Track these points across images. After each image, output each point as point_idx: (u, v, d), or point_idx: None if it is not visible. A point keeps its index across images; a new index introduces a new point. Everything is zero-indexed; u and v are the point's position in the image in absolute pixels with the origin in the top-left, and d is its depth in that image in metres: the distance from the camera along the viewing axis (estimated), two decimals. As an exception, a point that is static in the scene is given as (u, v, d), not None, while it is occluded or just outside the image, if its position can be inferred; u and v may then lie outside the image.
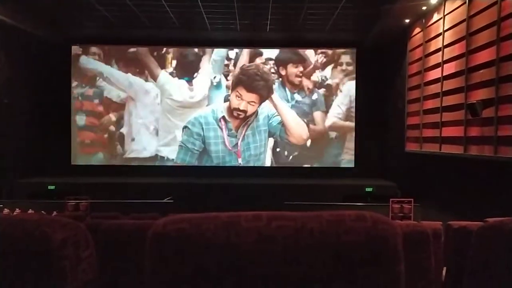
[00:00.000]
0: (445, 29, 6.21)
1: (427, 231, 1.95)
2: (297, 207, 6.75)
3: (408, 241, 1.43)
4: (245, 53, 9.22)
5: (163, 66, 9.20)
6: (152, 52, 9.22)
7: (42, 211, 5.28)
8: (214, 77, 9.14)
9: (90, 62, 9.22)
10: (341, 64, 9.27)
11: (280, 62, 9.20)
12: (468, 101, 5.36)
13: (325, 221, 0.71)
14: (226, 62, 9.21)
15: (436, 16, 6.58)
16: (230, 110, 8.99)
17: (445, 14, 6.23)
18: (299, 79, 9.19)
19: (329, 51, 9.24)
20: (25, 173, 8.17)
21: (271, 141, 9.18)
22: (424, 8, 6.75)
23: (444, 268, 2.04)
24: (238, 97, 8.94)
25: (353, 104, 9.24)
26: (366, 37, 8.53)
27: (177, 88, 9.16)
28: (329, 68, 9.24)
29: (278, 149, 9.23)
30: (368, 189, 7.95)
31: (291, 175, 8.91)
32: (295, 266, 0.69)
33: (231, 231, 0.70)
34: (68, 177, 8.46)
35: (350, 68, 9.27)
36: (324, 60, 9.24)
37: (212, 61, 9.21)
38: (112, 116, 9.23)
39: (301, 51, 9.25)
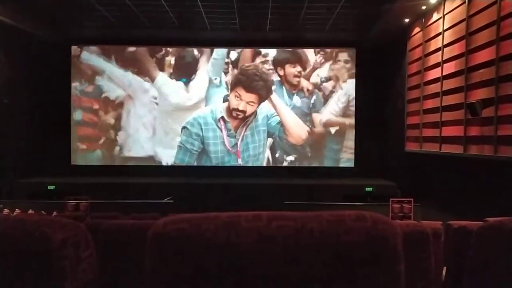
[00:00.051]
0: (444, 28, 6.21)
1: (427, 231, 1.95)
2: (297, 207, 6.75)
3: (408, 241, 1.43)
4: (245, 53, 9.22)
5: (160, 68, 9.21)
6: (150, 54, 9.22)
7: (42, 211, 5.28)
8: (215, 79, 9.14)
9: (91, 58, 9.23)
10: (339, 62, 9.27)
11: (278, 62, 9.20)
12: (468, 100, 5.36)
13: (325, 221, 0.71)
14: (226, 60, 9.21)
15: (435, 16, 6.58)
16: (229, 110, 8.99)
17: (444, 13, 6.23)
18: (298, 79, 9.19)
19: (328, 50, 9.24)
20: (25, 173, 8.17)
21: (270, 141, 9.18)
22: (423, 7, 6.75)
23: (444, 268, 2.04)
24: (237, 97, 8.94)
25: (352, 103, 9.24)
26: (366, 37, 8.53)
27: (173, 90, 9.17)
28: (327, 67, 9.24)
29: (277, 149, 9.23)
30: (368, 189, 7.95)
31: (290, 175, 8.92)
32: (295, 266, 0.69)
33: (231, 231, 0.70)
34: (68, 177, 8.46)
35: (348, 65, 9.26)
36: (323, 60, 9.24)
37: (212, 61, 9.21)
38: (111, 114, 9.23)
39: (299, 51, 9.25)
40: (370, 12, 7.06)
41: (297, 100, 9.18)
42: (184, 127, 9.12)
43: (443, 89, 6.20)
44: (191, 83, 9.18)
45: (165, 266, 0.70)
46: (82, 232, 1.06)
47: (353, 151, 9.26)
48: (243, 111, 8.93)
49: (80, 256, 1.03)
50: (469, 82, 5.44)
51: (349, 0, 6.77)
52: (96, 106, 9.23)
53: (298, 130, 9.18)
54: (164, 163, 9.21)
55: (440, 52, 6.31)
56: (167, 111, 9.17)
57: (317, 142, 9.27)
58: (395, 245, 0.72)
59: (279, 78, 9.18)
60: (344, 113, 9.26)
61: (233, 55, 9.22)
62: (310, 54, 9.24)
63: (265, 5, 7.02)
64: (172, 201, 7.25)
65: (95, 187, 7.56)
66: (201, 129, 9.05)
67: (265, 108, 9.06)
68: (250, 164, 9.15)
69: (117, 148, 9.25)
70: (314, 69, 9.24)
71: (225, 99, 9.05)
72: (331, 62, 9.26)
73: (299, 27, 8.27)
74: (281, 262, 0.69)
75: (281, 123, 9.10)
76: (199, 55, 9.24)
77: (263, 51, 9.23)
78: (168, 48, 9.25)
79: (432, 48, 6.65)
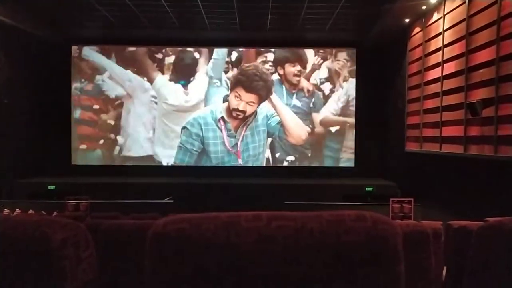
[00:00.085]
0: (445, 28, 6.21)
1: (427, 231, 1.95)
2: (297, 207, 6.74)
3: (408, 241, 1.43)
4: (247, 52, 9.23)
5: (160, 70, 9.21)
6: (149, 55, 9.22)
7: (42, 211, 5.28)
8: (215, 81, 9.13)
9: (91, 54, 9.24)
10: (339, 62, 9.27)
11: (278, 62, 9.20)
12: (468, 100, 5.36)
13: (325, 221, 0.71)
14: (226, 60, 9.21)
15: (436, 16, 6.58)
16: (229, 111, 8.99)
17: (445, 13, 6.23)
18: (298, 78, 9.19)
19: (328, 50, 9.24)
20: (25, 173, 8.17)
21: (270, 142, 9.18)
22: (424, 7, 6.75)
23: (444, 268, 2.04)
24: (237, 97, 8.93)
25: (352, 103, 9.24)
26: (366, 37, 8.53)
27: (172, 92, 9.17)
28: (327, 67, 9.24)
29: (277, 149, 9.23)
30: (368, 189, 7.95)
31: (290, 175, 8.92)
32: (295, 266, 0.69)
33: (231, 231, 0.70)
34: (68, 177, 8.46)
35: (348, 65, 9.27)
36: (323, 60, 9.25)
37: (212, 61, 9.20)
38: (111, 113, 9.24)
39: (299, 50, 9.26)
40: (370, 12, 7.06)
41: (297, 99, 9.18)
42: (184, 127, 9.12)
43: (443, 89, 6.20)
44: (190, 84, 9.18)
45: (165, 266, 0.70)
46: (82, 232, 1.06)
47: (353, 151, 9.27)
48: (243, 111, 8.93)
49: (80, 256, 1.03)
50: (469, 82, 5.44)
51: (349, 0, 6.77)
52: (95, 105, 9.23)
53: (298, 130, 9.18)
54: (164, 163, 9.21)
55: (440, 52, 6.31)
56: (166, 112, 9.17)
57: (317, 142, 9.27)
58: (395, 245, 0.72)
59: (279, 77, 9.18)
60: (344, 113, 9.26)
61: (235, 54, 9.21)
62: (310, 54, 9.25)
63: (265, 5, 7.02)
64: (172, 201, 7.25)
65: (95, 187, 7.56)
66: (201, 129, 9.05)
67: (265, 108, 9.06)
68: (250, 164, 9.15)
69: (117, 147, 9.26)
70: (314, 69, 9.24)
71: (225, 99, 9.05)
72: (331, 62, 9.26)
73: (299, 27, 8.27)
74: (281, 262, 0.69)
75: (281, 123, 9.10)
76: (199, 56, 9.24)
77: (264, 50, 9.23)
78: (168, 51, 9.23)
79: (432, 48, 6.65)
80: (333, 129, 9.27)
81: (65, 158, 9.10)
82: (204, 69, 9.21)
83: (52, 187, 7.80)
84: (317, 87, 9.22)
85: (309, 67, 9.23)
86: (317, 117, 9.24)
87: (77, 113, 9.23)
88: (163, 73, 9.19)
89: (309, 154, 9.28)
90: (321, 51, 9.24)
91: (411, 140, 7.58)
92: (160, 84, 9.18)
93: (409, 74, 7.62)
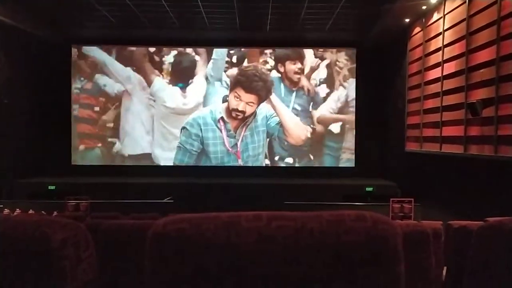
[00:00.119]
0: (445, 28, 6.21)
1: (427, 231, 1.95)
2: (297, 207, 6.74)
3: (408, 241, 1.43)
4: (245, 52, 9.23)
5: (158, 71, 9.21)
6: (148, 57, 9.21)
7: (42, 211, 5.28)
8: (216, 81, 9.13)
9: (92, 49, 9.24)
10: (339, 62, 9.27)
11: (278, 59, 9.20)
12: (468, 100, 5.36)
13: (325, 221, 0.71)
14: (226, 59, 9.20)
15: (436, 16, 6.58)
16: (229, 111, 8.99)
17: (445, 13, 6.23)
18: (298, 76, 9.19)
19: (328, 50, 9.24)
20: (25, 173, 8.17)
21: (270, 142, 9.18)
22: (424, 7, 6.75)
23: (444, 268, 2.04)
24: (237, 97, 8.93)
25: (352, 103, 9.24)
26: (366, 37, 8.53)
27: (170, 94, 9.17)
28: (327, 66, 9.24)
29: (276, 150, 9.23)
30: (368, 189, 7.95)
31: (290, 175, 8.91)
32: (295, 266, 0.69)
33: (231, 231, 0.70)
34: (68, 177, 8.46)
35: (348, 65, 9.27)
36: (323, 60, 9.25)
37: (212, 62, 9.20)
38: (110, 111, 9.24)
39: (300, 49, 9.26)
40: (370, 12, 7.06)
41: (296, 98, 9.18)
42: (183, 128, 9.11)
43: (443, 89, 6.20)
44: (188, 87, 9.17)
45: (165, 266, 0.70)
46: (82, 232, 1.06)
47: (353, 151, 9.27)
48: (243, 112, 8.92)
49: (80, 256, 1.03)
50: (470, 82, 5.44)
51: (349, 0, 6.77)
52: (95, 103, 9.24)
53: (297, 130, 9.18)
54: (162, 164, 9.22)
55: (440, 52, 6.31)
56: (164, 115, 9.17)
57: (317, 142, 9.27)
58: (395, 245, 0.72)
59: (279, 75, 9.18)
60: (344, 113, 9.26)
61: (237, 53, 9.20)
62: (310, 54, 9.25)
63: (265, 5, 7.02)
64: (172, 201, 7.25)
65: (95, 187, 7.56)
66: (201, 129, 9.05)
67: (264, 109, 9.06)
68: (250, 165, 9.15)
69: (116, 145, 9.26)
70: (314, 68, 9.24)
71: (225, 100, 9.05)
72: (331, 62, 9.26)
73: (299, 27, 8.27)
74: (281, 262, 0.69)
75: (280, 124, 9.10)
76: (197, 58, 9.22)
77: (264, 49, 9.23)
78: (167, 54, 9.22)
79: (432, 48, 6.65)
80: (333, 129, 9.27)
81: (65, 158, 9.10)
82: (202, 72, 9.20)
83: (52, 187, 7.80)
84: (317, 86, 9.22)
85: (309, 66, 9.23)
86: (317, 116, 9.23)
87: (76, 111, 9.24)
88: (161, 76, 9.19)
89: (309, 154, 9.28)
90: (321, 51, 9.24)
91: (411, 140, 7.58)
92: (158, 87, 9.18)
93: (409, 74, 7.62)
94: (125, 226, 1.94)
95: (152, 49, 9.22)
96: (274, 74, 9.18)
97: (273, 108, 9.05)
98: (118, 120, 9.24)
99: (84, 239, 1.05)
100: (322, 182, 8.33)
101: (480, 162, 5.22)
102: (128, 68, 9.21)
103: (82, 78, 9.25)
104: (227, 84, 9.10)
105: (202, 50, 9.25)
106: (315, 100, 9.22)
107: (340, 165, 9.31)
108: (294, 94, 9.17)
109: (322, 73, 9.24)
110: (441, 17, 6.32)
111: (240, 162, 9.10)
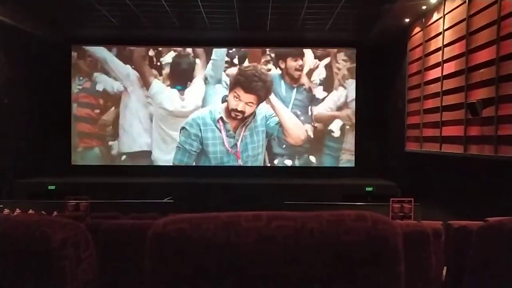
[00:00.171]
0: (445, 28, 6.20)
1: (427, 230, 1.94)
2: (297, 207, 6.74)
3: (408, 241, 1.43)
4: (246, 52, 9.23)
5: (156, 74, 9.20)
6: (146, 59, 9.20)
7: (43, 211, 5.28)
8: (216, 82, 9.13)
9: (93, 47, 9.25)
10: (339, 62, 9.27)
11: (279, 55, 9.20)
12: (468, 100, 5.36)
13: (325, 221, 0.71)
14: (226, 59, 9.20)
15: (436, 16, 6.58)
16: (228, 111, 8.98)
17: (445, 13, 6.23)
18: (299, 73, 9.19)
19: (328, 50, 9.25)
20: (25, 173, 8.17)
21: (268, 142, 9.18)
22: (424, 7, 6.75)
23: (445, 268, 2.04)
24: (236, 97, 8.92)
25: (352, 103, 9.24)
26: (366, 37, 8.53)
27: (168, 97, 9.17)
28: (327, 66, 9.24)
29: (276, 150, 9.23)
30: (368, 189, 7.95)
31: (290, 175, 8.91)
32: (295, 266, 0.69)
33: (231, 231, 0.70)
34: (68, 177, 8.46)
35: (348, 65, 9.27)
36: (323, 60, 9.25)
37: (212, 62, 9.20)
38: (110, 110, 9.24)
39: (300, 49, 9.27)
40: (370, 12, 7.06)
41: (297, 93, 9.17)
42: (182, 128, 9.11)
43: (443, 89, 6.20)
44: (187, 90, 9.17)
45: (165, 266, 0.70)
46: (82, 232, 1.06)
47: (353, 151, 9.26)
48: (242, 112, 8.92)
49: (80, 256, 1.03)
50: (470, 82, 5.44)
51: (349, 0, 6.77)
52: (94, 103, 9.24)
53: (296, 130, 9.17)
54: (162, 164, 9.22)
55: (440, 52, 6.31)
56: (163, 118, 9.17)
57: (317, 142, 9.27)
58: (395, 245, 0.72)
59: (280, 72, 9.17)
60: (344, 113, 9.26)
61: (238, 54, 9.20)
62: (310, 54, 9.25)
63: (265, 5, 7.02)
64: (172, 201, 7.25)
65: (95, 187, 7.56)
66: (200, 129, 9.04)
67: (263, 109, 9.06)
68: (249, 165, 9.15)
69: (115, 143, 9.25)
70: (314, 68, 9.24)
71: (224, 100, 9.04)
72: (331, 62, 9.26)
73: (299, 27, 8.27)
74: (281, 262, 0.69)
75: (279, 124, 9.10)
76: (196, 60, 9.20)
77: (264, 49, 9.23)
78: (165, 56, 9.21)
79: (432, 48, 6.65)
80: (333, 129, 9.27)
81: (65, 158, 9.10)
82: (201, 74, 9.20)
83: (52, 187, 7.80)
84: (317, 86, 9.22)
85: (309, 66, 9.23)
86: (316, 116, 9.23)
87: (76, 111, 9.24)
88: (159, 78, 9.19)
89: (309, 154, 9.28)
90: (321, 51, 9.24)
91: (411, 140, 7.58)
92: (156, 89, 9.18)
93: (409, 74, 7.62)
94: (125, 226, 1.94)
95: (151, 52, 9.21)
96: (275, 71, 9.17)
97: (273, 108, 9.05)
98: (118, 119, 9.24)
99: (84, 239, 1.05)
100: (322, 182, 8.33)
101: (480, 162, 5.22)
102: (128, 66, 9.21)
103: (81, 78, 9.25)
104: (227, 84, 9.10)
105: (201, 52, 9.24)
106: (315, 98, 9.22)
107: (340, 165, 9.30)
108: (294, 90, 9.17)
109: (321, 73, 9.24)
110: (441, 17, 6.32)
111: (240, 163, 9.10)
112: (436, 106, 6.41)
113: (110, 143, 9.27)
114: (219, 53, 9.20)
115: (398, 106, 8.15)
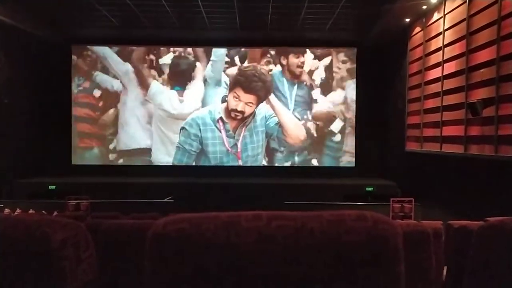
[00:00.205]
0: (445, 28, 6.20)
1: (428, 230, 1.94)
2: (297, 207, 6.74)
3: (408, 241, 1.43)
4: (246, 52, 9.22)
5: (155, 75, 9.20)
6: (146, 60, 9.20)
7: (43, 211, 5.28)
8: (215, 82, 9.13)
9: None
10: (339, 62, 9.27)
11: (280, 52, 9.19)
12: (469, 100, 5.36)
13: (325, 221, 0.71)
14: (227, 59, 9.20)
15: (436, 15, 6.58)
16: (228, 111, 8.98)
17: (445, 13, 6.23)
18: (300, 69, 9.19)
19: (328, 49, 9.24)
20: (25, 173, 8.17)
21: (268, 142, 9.17)
22: (424, 7, 6.75)
23: (445, 268, 2.04)
24: (236, 98, 8.92)
25: (352, 103, 9.24)
26: (366, 36, 8.52)
27: (167, 98, 9.16)
28: (327, 66, 9.24)
29: (275, 150, 9.22)
30: (369, 189, 7.94)
31: (290, 175, 8.91)
32: (295, 266, 0.69)
33: (231, 231, 0.69)
34: (68, 177, 8.46)
35: (349, 65, 9.27)
36: (323, 60, 9.25)
37: (211, 62, 9.20)
38: (109, 109, 9.24)
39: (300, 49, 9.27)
40: (370, 12, 7.06)
41: (298, 89, 9.16)
42: (182, 128, 9.11)
43: (443, 89, 6.20)
44: (186, 91, 9.16)
45: (165, 266, 0.70)
46: (82, 232, 1.06)
47: (353, 151, 9.26)
48: (242, 112, 8.92)
49: (80, 256, 1.03)
50: (470, 82, 5.44)
51: (349, 0, 6.76)
52: (94, 102, 9.24)
53: (296, 130, 9.17)
54: (162, 164, 9.22)
55: (440, 52, 6.31)
56: (162, 119, 9.17)
57: (316, 142, 9.26)
58: (395, 245, 0.72)
59: (280, 68, 9.16)
60: (344, 113, 9.26)
61: (238, 54, 9.20)
62: (310, 54, 9.24)
63: (265, 5, 7.02)
64: (172, 201, 7.25)
65: (95, 187, 7.56)
66: (200, 129, 9.04)
67: (263, 109, 9.06)
68: (249, 165, 9.15)
69: (114, 141, 9.25)
70: (314, 68, 9.24)
71: (224, 100, 9.04)
72: (331, 62, 9.25)
73: (299, 27, 8.27)
74: (281, 262, 0.68)
75: (279, 124, 9.10)
76: (196, 61, 9.20)
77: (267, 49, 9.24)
78: (164, 56, 9.21)
79: (432, 48, 6.64)
80: (333, 129, 9.27)
81: (65, 158, 9.10)
82: (200, 75, 9.19)
83: (53, 187, 7.80)
84: (317, 86, 9.22)
85: (309, 66, 9.23)
86: (316, 114, 9.23)
87: (76, 111, 9.24)
88: (158, 79, 9.18)
89: (309, 154, 9.27)
90: (321, 51, 9.24)
91: (411, 140, 7.58)
92: (155, 90, 9.18)
93: (410, 74, 7.61)
94: (125, 226, 1.94)
95: (150, 53, 9.20)
96: (276, 67, 9.15)
97: (272, 108, 9.05)
98: (117, 119, 9.24)
99: (84, 239, 1.05)
100: (322, 182, 8.33)
101: (480, 162, 5.21)
102: (127, 63, 9.21)
103: (81, 77, 9.24)
104: (226, 84, 9.10)
105: (200, 53, 9.23)
106: (314, 101, 9.21)
107: (340, 165, 9.30)
108: (295, 87, 9.16)
109: (322, 73, 9.24)
110: (441, 17, 6.32)
111: (240, 163, 9.10)
112: (437, 106, 6.41)
113: (110, 143, 9.27)
114: (219, 54, 9.20)
115: (398, 106, 8.15)
